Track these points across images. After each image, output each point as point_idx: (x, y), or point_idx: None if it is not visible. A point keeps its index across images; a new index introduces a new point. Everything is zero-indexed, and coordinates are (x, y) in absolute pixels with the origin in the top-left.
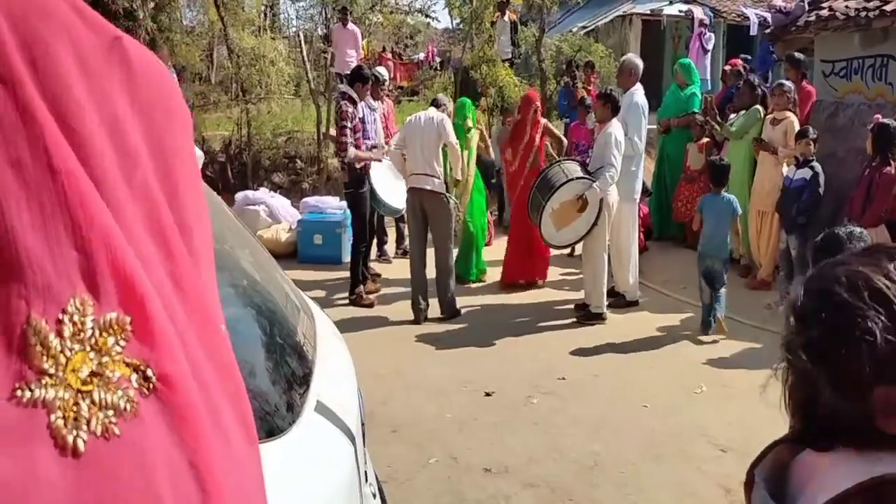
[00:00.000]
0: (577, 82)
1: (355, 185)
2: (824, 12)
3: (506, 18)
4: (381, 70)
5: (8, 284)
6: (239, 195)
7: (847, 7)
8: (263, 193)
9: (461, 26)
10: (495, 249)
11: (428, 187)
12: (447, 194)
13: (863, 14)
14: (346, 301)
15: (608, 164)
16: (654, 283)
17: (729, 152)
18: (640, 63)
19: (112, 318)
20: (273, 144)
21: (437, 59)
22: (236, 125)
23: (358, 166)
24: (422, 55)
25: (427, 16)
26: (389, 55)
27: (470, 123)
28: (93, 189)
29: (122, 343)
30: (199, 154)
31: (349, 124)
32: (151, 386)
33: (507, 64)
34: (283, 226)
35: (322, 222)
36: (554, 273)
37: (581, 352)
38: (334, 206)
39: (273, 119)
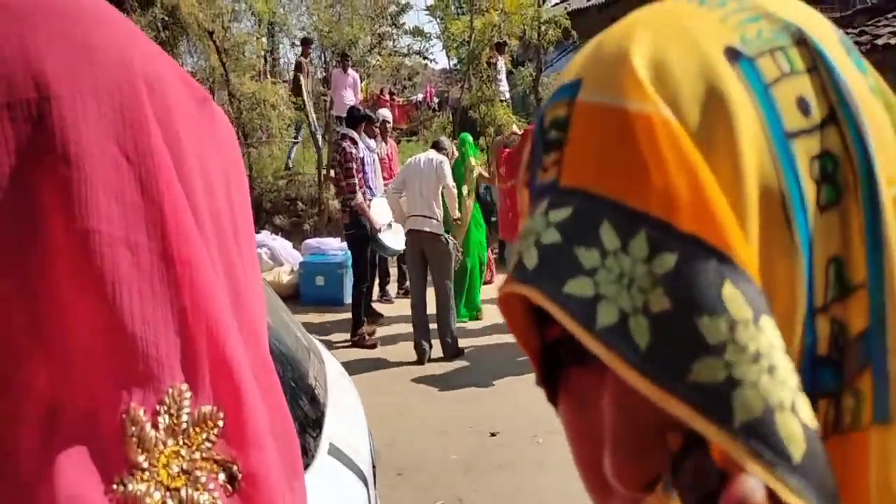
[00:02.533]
0: None
1: (355, 226)
2: None
3: (503, 59)
4: (385, 112)
5: (113, 371)
6: None
7: None
8: (265, 236)
9: (458, 66)
10: (496, 287)
11: (427, 229)
12: (446, 235)
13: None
14: (349, 343)
15: None
16: None
17: None
18: None
19: (207, 411)
20: (274, 187)
21: (436, 100)
22: None
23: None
24: (420, 96)
25: (425, 57)
26: (387, 97)
27: (473, 161)
28: (203, 272)
29: (214, 438)
30: None
31: (353, 165)
32: (237, 485)
33: (505, 104)
34: (286, 268)
35: (324, 264)
36: None
37: None
38: (335, 247)
39: (274, 162)
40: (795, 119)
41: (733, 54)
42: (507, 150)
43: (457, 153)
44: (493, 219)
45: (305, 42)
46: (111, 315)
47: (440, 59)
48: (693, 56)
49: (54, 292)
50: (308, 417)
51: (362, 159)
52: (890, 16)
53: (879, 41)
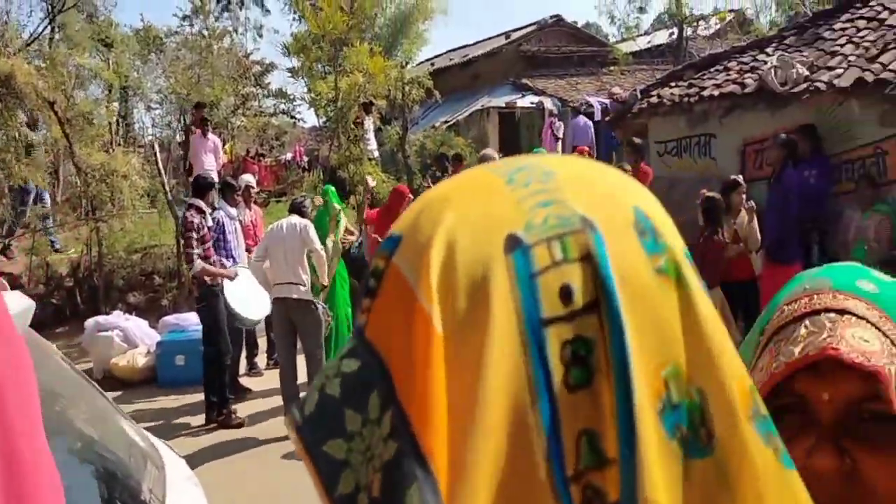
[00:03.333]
0: (447, 175)
1: (207, 297)
2: (654, 99)
3: (370, 119)
4: (248, 177)
5: None
6: (89, 322)
7: (672, 94)
8: (117, 317)
9: (328, 125)
10: None
11: (294, 295)
12: (315, 300)
13: (685, 100)
14: (213, 425)
15: None
16: None
17: None
18: (496, 155)
19: None
20: (127, 262)
21: (305, 159)
22: (86, 245)
23: (208, 280)
24: (289, 155)
25: (292, 117)
26: (254, 158)
27: (337, 207)
28: None
29: None
30: (27, 303)
31: (195, 234)
32: None
33: (373, 162)
34: (141, 350)
35: (183, 341)
36: None
37: None
38: (196, 322)
39: (126, 235)
40: (554, 306)
41: (513, 243)
42: (374, 209)
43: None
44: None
45: (199, 106)
46: None
47: (310, 118)
48: (480, 244)
49: None
50: None
51: (221, 227)
52: (713, 70)
53: (705, 92)
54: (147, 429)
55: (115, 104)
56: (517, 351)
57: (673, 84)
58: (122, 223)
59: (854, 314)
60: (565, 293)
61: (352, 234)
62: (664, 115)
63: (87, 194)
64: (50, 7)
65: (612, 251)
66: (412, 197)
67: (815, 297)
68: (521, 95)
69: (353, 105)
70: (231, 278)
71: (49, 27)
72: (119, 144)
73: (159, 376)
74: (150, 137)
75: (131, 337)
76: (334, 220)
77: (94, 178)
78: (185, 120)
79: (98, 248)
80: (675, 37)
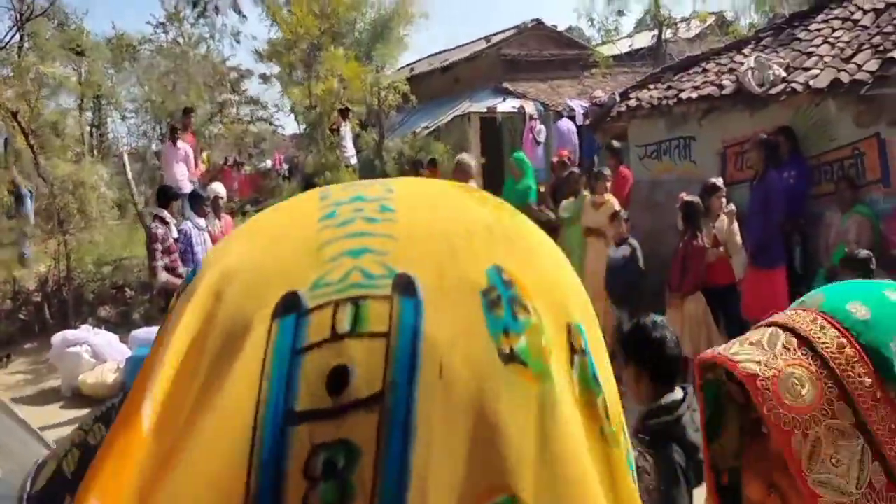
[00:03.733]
0: None
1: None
2: (633, 102)
3: (347, 125)
4: (217, 186)
5: None
6: (56, 337)
7: (651, 97)
8: (86, 332)
9: (307, 131)
10: None
11: None
12: None
13: (664, 102)
14: None
15: None
16: None
17: (564, 238)
18: (472, 160)
19: None
20: (97, 275)
21: (285, 166)
22: (53, 259)
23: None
24: (269, 163)
25: (271, 123)
26: (232, 167)
27: None
28: None
29: None
30: None
31: (159, 246)
32: None
33: (350, 169)
34: (110, 366)
35: None
36: None
37: None
38: None
39: (96, 248)
40: (316, 396)
41: (288, 304)
42: None
43: None
44: None
45: (187, 111)
46: None
47: (291, 125)
48: (249, 300)
49: None
50: None
51: (189, 238)
52: (691, 72)
53: (683, 94)
54: None
55: (88, 114)
56: (240, 457)
57: (651, 86)
58: (92, 235)
59: (798, 335)
60: (336, 379)
61: None
62: (644, 118)
63: (54, 206)
64: (18, 15)
65: (432, 325)
66: None
67: (798, 311)
68: (502, 100)
69: (329, 111)
70: None
71: (18, 35)
72: (92, 154)
73: None
74: (125, 147)
75: (100, 352)
76: None
77: (62, 190)
78: (160, 129)
79: (67, 262)
80: (655, 39)
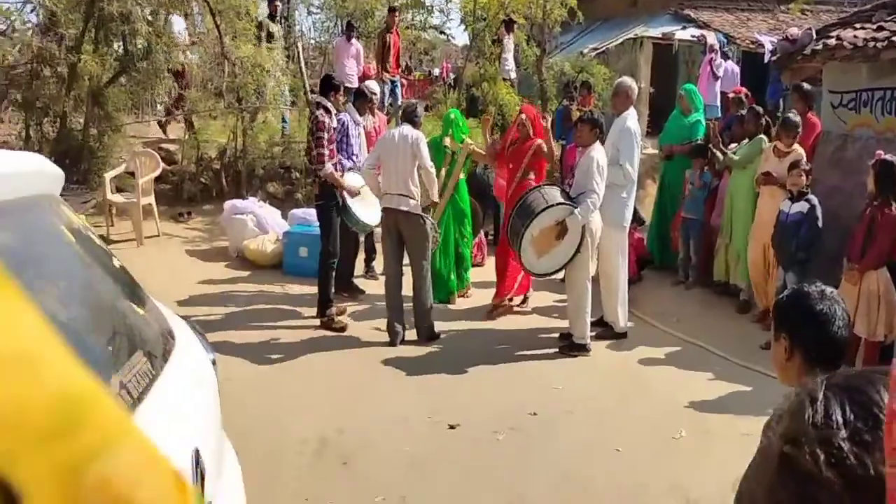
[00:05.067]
0: (574, 104)
1: (326, 197)
2: (831, 41)
3: (511, 38)
4: (371, 84)
5: None
6: (227, 204)
7: (855, 37)
8: (251, 203)
9: (473, 42)
10: (486, 270)
11: (404, 208)
12: (424, 215)
13: (871, 45)
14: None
15: (590, 189)
16: (645, 314)
17: (731, 182)
18: (634, 86)
19: None
20: (267, 154)
21: (452, 76)
22: (232, 133)
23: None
24: (437, 71)
25: (442, 32)
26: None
27: (448, 142)
28: None
29: None
30: (55, 171)
31: (325, 135)
32: None
33: (508, 83)
34: (270, 237)
35: (308, 235)
36: (547, 299)
37: (558, 385)
38: None
39: (268, 128)
40: None
41: None
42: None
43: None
44: (490, 199)
45: (392, 10)
46: None
47: (464, 36)
48: None
49: None
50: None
51: (346, 129)
52: None
53: None
54: (262, 311)
55: (265, 3)
56: None
57: (858, 26)
58: (265, 116)
59: None
60: None
61: (480, 157)
62: (843, 62)
63: (233, 85)
64: None
65: None
66: (530, 119)
67: None
68: (681, 27)
69: (494, 22)
70: (352, 195)
71: None
72: (265, 41)
73: (284, 264)
74: (310, 40)
75: (263, 223)
76: (450, 148)
77: (243, 70)
78: (342, 25)
79: (243, 137)
80: None
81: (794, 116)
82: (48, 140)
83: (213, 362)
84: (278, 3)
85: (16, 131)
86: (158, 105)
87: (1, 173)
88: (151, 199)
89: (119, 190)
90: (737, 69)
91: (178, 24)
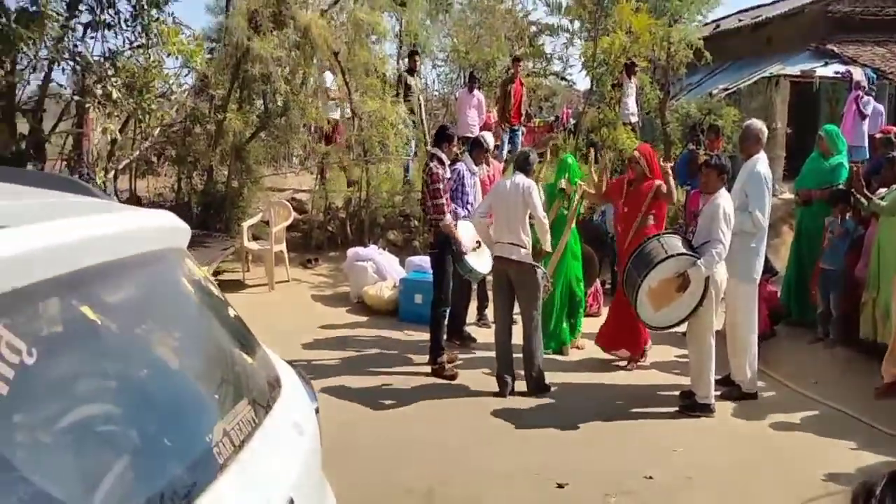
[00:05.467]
0: (701, 148)
1: (440, 245)
2: None
3: (631, 81)
4: (486, 134)
5: None
6: (350, 251)
7: None
8: (372, 250)
9: (595, 87)
10: (602, 321)
11: (514, 257)
12: (535, 264)
13: None
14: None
15: (715, 239)
16: (778, 373)
17: (878, 231)
18: (764, 128)
19: None
20: (389, 203)
21: (572, 121)
22: (356, 184)
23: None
24: (554, 116)
25: (563, 78)
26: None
27: (564, 184)
28: None
29: None
30: (180, 225)
31: (440, 185)
32: None
33: (629, 127)
34: (388, 283)
35: (423, 282)
36: (667, 353)
37: (677, 448)
38: None
39: (390, 178)
40: None
41: None
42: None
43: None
44: (606, 244)
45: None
46: None
47: (586, 81)
48: None
49: None
50: (181, 480)
51: (462, 179)
52: None
53: None
54: (376, 356)
55: (393, 60)
56: None
57: None
58: (388, 167)
59: None
60: None
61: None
62: None
63: (359, 138)
64: None
65: None
66: (648, 160)
67: None
68: (822, 63)
69: (613, 66)
70: (466, 252)
71: None
72: (397, 95)
73: (401, 310)
74: (435, 92)
75: (382, 270)
76: (564, 193)
77: (368, 124)
78: (464, 77)
79: (367, 188)
80: None
81: None
82: (196, 192)
83: (317, 410)
84: (417, 58)
85: (169, 184)
86: (294, 158)
87: (128, 230)
88: (283, 247)
89: (255, 238)
90: (881, 108)
91: (328, 79)
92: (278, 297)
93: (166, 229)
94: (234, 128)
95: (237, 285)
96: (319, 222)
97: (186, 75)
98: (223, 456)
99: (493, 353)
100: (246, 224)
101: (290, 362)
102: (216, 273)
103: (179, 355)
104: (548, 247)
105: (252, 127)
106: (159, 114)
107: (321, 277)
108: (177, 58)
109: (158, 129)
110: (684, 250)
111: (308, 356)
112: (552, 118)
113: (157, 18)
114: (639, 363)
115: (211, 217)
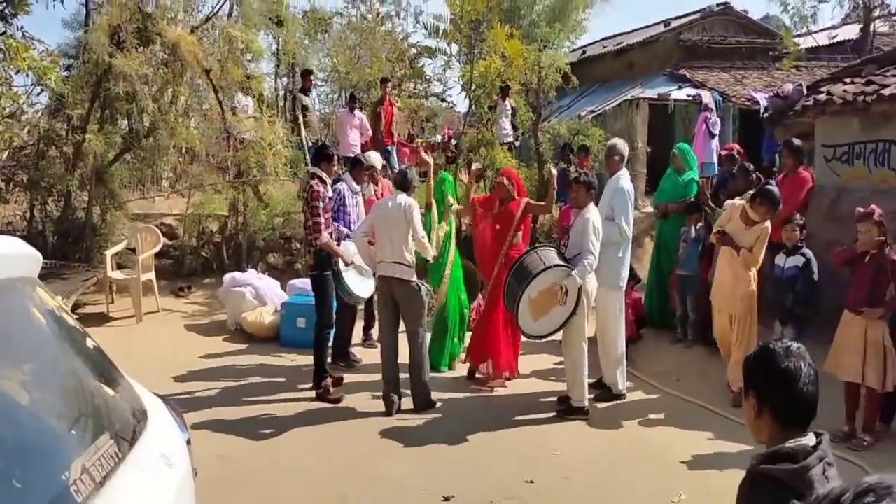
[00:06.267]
0: (571, 166)
1: (320, 267)
2: (822, 97)
3: (506, 103)
4: (374, 156)
5: None
6: (227, 276)
7: (845, 91)
8: (251, 275)
9: (473, 108)
10: None
11: (397, 275)
12: (419, 282)
13: (860, 98)
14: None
15: (586, 250)
16: (645, 374)
17: None
18: (626, 147)
19: None
20: (268, 226)
21: (454, 142)
22: (232, 206)
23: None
24: (438, 137)
25: (444, 100)
26: (406, 139)
27: (451, 199)
28: None
29: None
30: (31, 252)
31: (320, 204)
32: None
33: (506, 147)
34: (269, 308)
35: (305, 305)
36: (546, 361)
37: (556, 451)
38: None
39: (269, 201)
40: None
41: None
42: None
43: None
44: None
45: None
46: None
47: (463, 103)
48: None
49: None
50: None
51: (343, 198)
52: None
53: (886, 91)
54: (257, 384)
55: (270, 79)
56: None
57: (848, 80)
58: (266, 188)
59: None
60: None
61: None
62: (834, 116)
63: (235, 159)
64: None
65: None
66: (512, 181)
67: None
68: (677, 87)
69: (490, 88)
70: (347, 263)
71: (228, 5)
72: (279, 116)
73: (282, 335)
74: (316, 111)
75: (261, 295)
76: (448, 208)
77: (244, 145)
78: (345, 97)
79: (243, 210)
80: (861, 31)
81: (777, 192)
82: (52, 219)
83: (188, 441)
84: (311, 77)
85: (20, 212)
86: (163, 181)
87: None
88: (152, 275)
89: (121, 266)
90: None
91: (243, 99)
92: (148, 328)
93: (12, 256)
94: (95, 150)
95: (101, 318)
96: (192, 247)
97: (39, 94)
98: (82, 494)
99: (379, 375)
100: (109, 252)
101: (160, 396)
102: (76, 307)
103: (29, 390)
104: (430, 258)
105: (115, 149)
106: (7, 135)
107: (195, 306)
108: (27, 75)
109: (7, 152)
110: (560, 262)
111: (182, 388)
112: (437, 138)
113: (4, 32)
114: (496, 386)
115: (69, 246)
